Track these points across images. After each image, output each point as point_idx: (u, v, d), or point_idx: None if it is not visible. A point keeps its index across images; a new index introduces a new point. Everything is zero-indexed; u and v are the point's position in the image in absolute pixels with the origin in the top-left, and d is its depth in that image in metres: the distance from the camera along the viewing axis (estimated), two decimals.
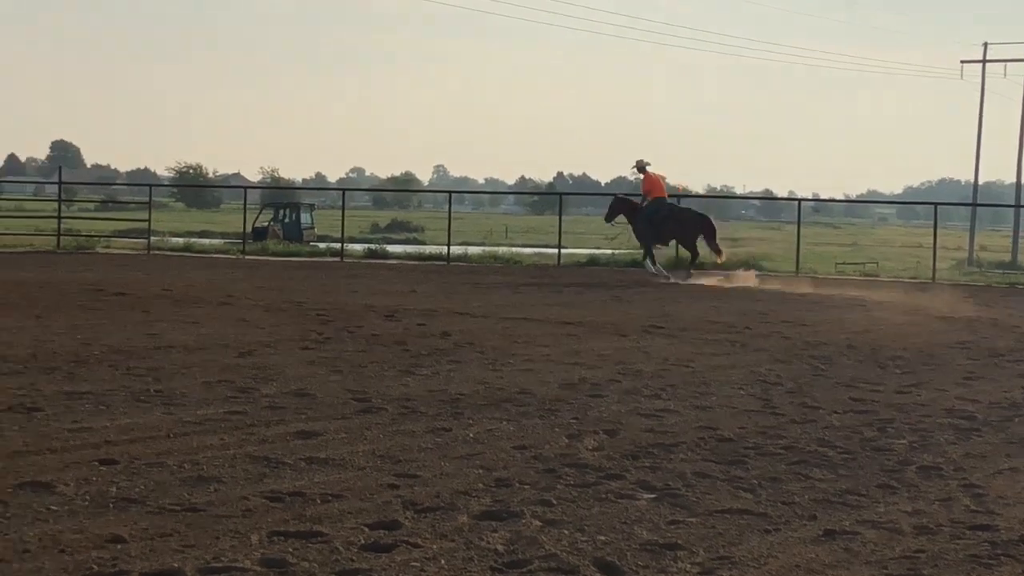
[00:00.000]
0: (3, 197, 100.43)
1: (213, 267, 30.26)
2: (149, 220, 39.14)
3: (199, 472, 7.48)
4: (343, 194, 43.93)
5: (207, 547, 5.98)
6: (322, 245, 46.07)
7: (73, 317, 16.16)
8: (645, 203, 29.07)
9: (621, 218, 29.89)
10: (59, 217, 38.73)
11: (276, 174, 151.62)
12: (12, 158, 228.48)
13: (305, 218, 59.29)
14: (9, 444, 8.07)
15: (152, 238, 38.81)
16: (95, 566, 5.61)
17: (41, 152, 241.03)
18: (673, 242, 30.61)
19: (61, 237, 37.91)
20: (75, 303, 18.27)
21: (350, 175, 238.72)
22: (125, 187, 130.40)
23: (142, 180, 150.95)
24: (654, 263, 29.01)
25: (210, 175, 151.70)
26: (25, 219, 49.69)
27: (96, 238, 40.51)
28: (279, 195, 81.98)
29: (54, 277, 23.82)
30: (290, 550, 6.00)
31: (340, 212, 41.04)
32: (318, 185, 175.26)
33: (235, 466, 7.70)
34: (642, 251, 29.96)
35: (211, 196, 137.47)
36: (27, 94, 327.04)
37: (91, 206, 74.16)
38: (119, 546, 5.92)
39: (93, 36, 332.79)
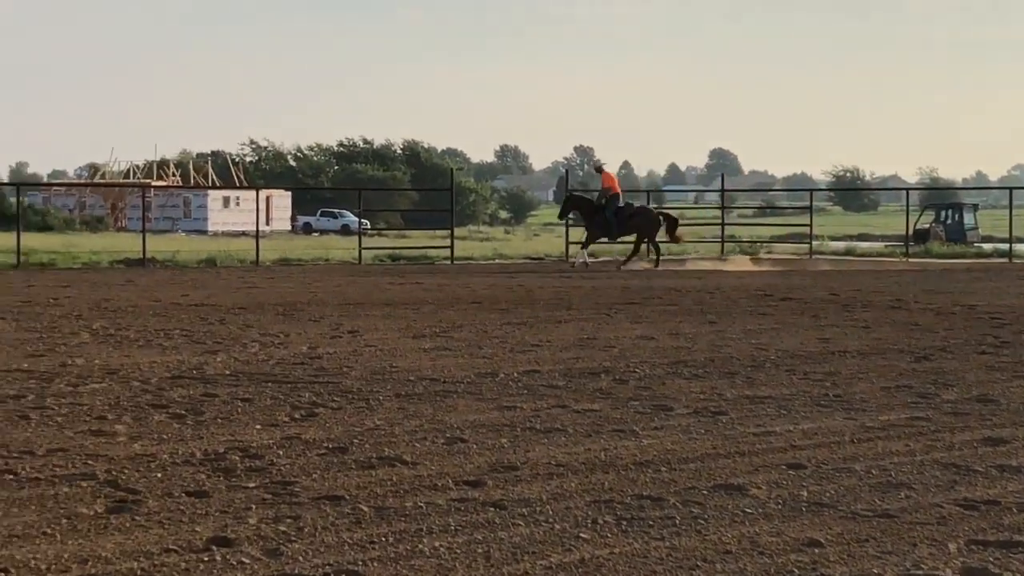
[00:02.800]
0: (666, 205, 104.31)
1: (878, 271, 30.04)
2: (811, 225, 39.37)
3: (887, 478, 7.39)
4: (1009, 193, 42.23)
5: (904, 554, 5.88)
6: (987, 246, 44.69)
7: (745, 322, 16.50)
8: (603, 199, 32.27)
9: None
10: (722, 224, 39.76)
11: (934, 174, 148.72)
12: (673, 167, 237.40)
13: (968, 219, 57.69)
14: (699, 447, 8.31)
15: (812, 243, 39.05)
16: (795, 569, 5.65)
17: (700, 160, 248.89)
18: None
19: (724, 243, 38.86)
20: (744, 308, 18.65)
21: (1012, 172, 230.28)
22: (782, 192, 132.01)
23: (798, 185, 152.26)
24: (586, 250, 32.85)
25: (867, 177, 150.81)
26: (687, 226, 51.37)
27: (758, 243, 41.26)
28: (939, 196, 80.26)
29: (722, 283, 24.44)
30: (990, 560, 5.80)
31: (1005, 212, 39.64)
32: (979, 184, 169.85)
33: (923, 472, 7.55)
34: (593, 240, 33.01)
35: (868, 199, 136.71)
36: (686, 105, 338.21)
37: (749, 212, 75.59)
38: (816, 550, 5.93)
39: (693, 47, 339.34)
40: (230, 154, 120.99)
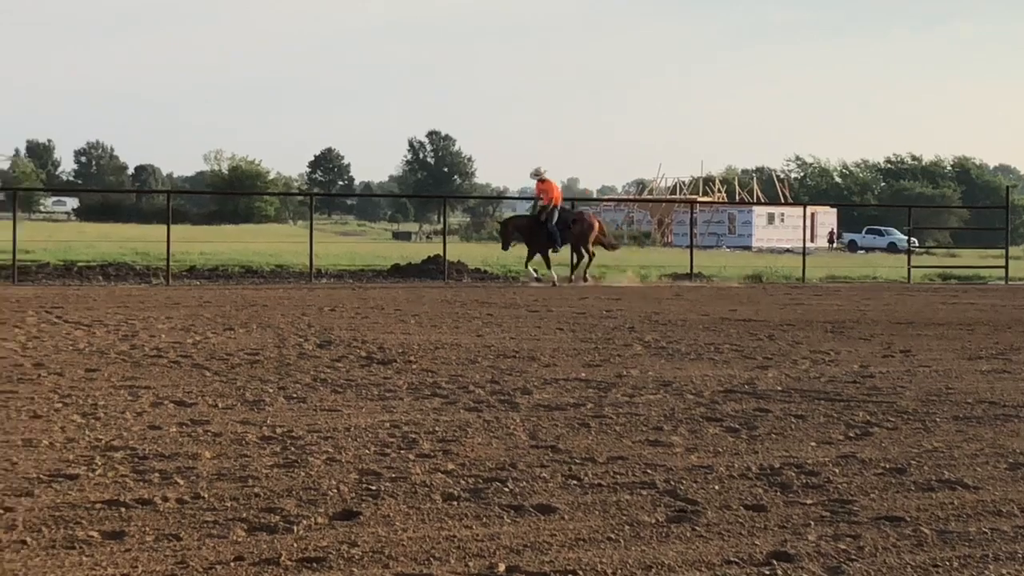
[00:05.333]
0: None
1: None
2: None
3: None
4: None
5: None
6: None
7: None
8: (543, 210, 29.17)
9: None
10: None
11: None
12: None
13: None
14: None
15: None
16: None
17: None
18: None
19: None
20: None
21: None
22: None
23: None
24: (549, 267, 29.49)
25: None
26: None
27: None
28: None
29: None
30: None
31: None
32: None
33: None
34: (534, 256, 29.66)
35: None
36: None
37: None
38: None
39: None
40: (775, 170, 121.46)
